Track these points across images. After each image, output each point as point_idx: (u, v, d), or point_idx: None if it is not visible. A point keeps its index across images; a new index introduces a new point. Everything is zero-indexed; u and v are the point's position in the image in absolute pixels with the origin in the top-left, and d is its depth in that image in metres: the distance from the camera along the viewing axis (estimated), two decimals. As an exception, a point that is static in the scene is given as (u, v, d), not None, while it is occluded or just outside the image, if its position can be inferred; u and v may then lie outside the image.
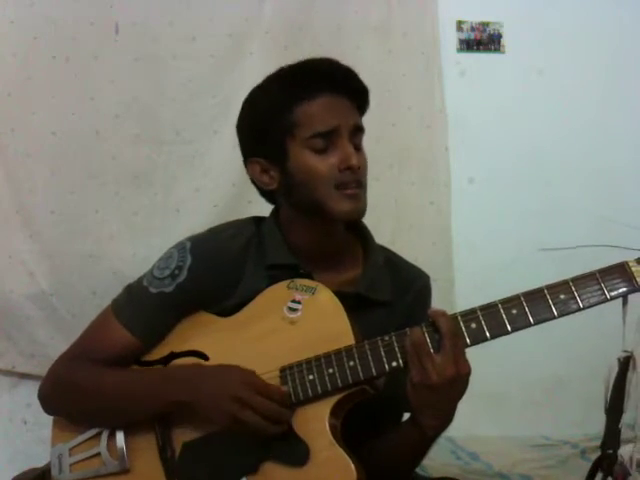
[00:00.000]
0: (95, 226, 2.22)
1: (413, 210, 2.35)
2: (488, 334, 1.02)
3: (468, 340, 1.02)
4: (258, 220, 1.24)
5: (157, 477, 1.13)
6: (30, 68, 2.20)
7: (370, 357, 1.05)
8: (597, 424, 2.41)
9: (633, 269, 1.04)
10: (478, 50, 2.49)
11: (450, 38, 2.47)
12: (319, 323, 1.11)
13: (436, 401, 1.02)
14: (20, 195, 2.20)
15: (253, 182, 1.23)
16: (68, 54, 2.21)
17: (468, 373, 1.02)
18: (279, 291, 1.14)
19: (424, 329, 1.03)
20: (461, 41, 2.49)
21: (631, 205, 2.52)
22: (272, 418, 1.04)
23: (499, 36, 2.50)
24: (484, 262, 2.43)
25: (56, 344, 2.14)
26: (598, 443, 2.25)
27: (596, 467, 1.56)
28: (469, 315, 1.03)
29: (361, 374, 1.05)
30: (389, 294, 1.21)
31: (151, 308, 1.17)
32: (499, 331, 1.02)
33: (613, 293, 1.01)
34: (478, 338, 1.02)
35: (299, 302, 1.12)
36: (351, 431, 1.09)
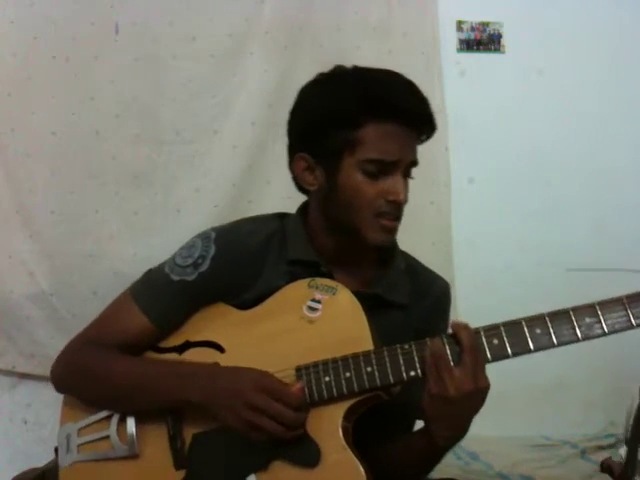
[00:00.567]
0: (95, 226, 2.22)
1: (413, 210, 2.34)
2: (510, 351, 1.01)
3: (489, 356, 1.01)
4: (282, 216, 1.24)
5: (165, 466, 1.13)
6: (30, 68, 2.20)
7: (388, 364, 1.05)
8: (597, 424, 2.42)
9: None
10: (478, 50, 2.49)
11: (450, 38, 2.47)
12: (338, 325, 1.10)
13: (451, 413, 1.02)
14: (20, 195, 2.20)
15: (291, 175, 1.21)
16: (68, 54, 2.21)
17: (487, 388, 1.01)
18: (299, 289, 1.14)
19: (445, 340, 1.03)
20: (461, 41, 2.49)
21: (631, 205, 2.52)
22: (288, 425, 1.03)
23: (499, 36, 2.50)
24: (484, 262, 2.43)
25: (56, 344, 2.13)
26: (598, 443, 2.27)
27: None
28: (492, 330, 1.02)
29: (378, 381, 1.05)
30: (407, 298, 1.21)
31: (171, 295, 1.18)
32: (521, 349, 1.01)
33: (639, 320, 0.99)
34: (499, 354, 1.01)
35: (319, 302, 1.12)
36: (360, 434, 1.09)
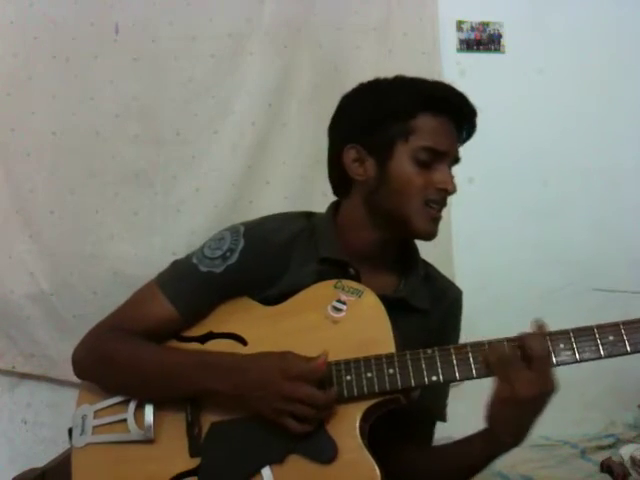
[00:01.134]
0: (95, 226, 2.22)
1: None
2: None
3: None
4: (310, 214, 1.26)
5: (180, 452, 1.13)
6: (30, 68, 2.20)
7: (410, 368, 1.06)
8: (597, 424, 2.42)
9: None
10: (478, 50, 2.49)
11: (450, 38, 2.47)
12: (361, 326, 1.11)
13: (520, 417, 1.03)
14: (20, 195, 2.20)
15: (332, 168, 1.24)
16: (68, 54, 2.21)
17: (554, 390, 1.02)
18: (325, 289, 1.15)
19: (508, 344, 1.03)
20: (461, 41, 2.49)
21: (631, 205, 2.52)
22: (319, 406, 1.04)
23: (499, 36, 2.50)
24: (484, 262, 2.43)
25: (56, 344, 2.14)
26: (598, 443, 2.27)
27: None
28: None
29: (399, 383, 1.06)
30: (428, 303, 1.24)
31: (198, 285, 1.19)
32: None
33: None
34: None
35: (344, 303, 1.13)
36: (377, 436, 1.10)
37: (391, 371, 1.06)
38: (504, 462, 2.09)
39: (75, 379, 1.26)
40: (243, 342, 1.16)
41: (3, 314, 2.18)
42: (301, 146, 2.27)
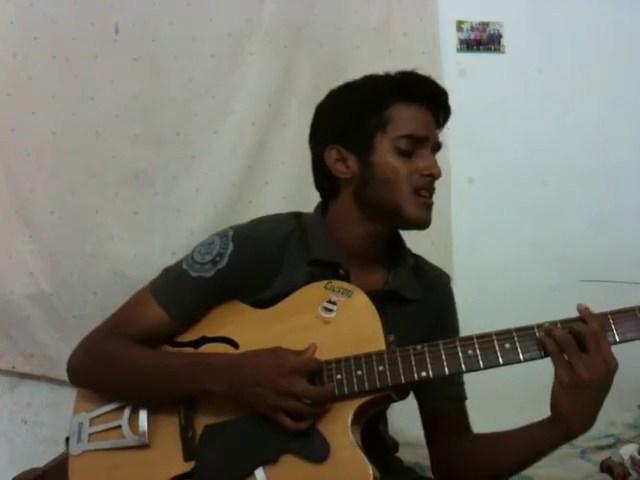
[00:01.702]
0: (95, 226, 2.22)
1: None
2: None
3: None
4: (299, 215, 1.27)
5: (175, 456, 1.14)
6: (30, 68, 2.19)
7: (400, 364, 1.06)
8: (597, 424, 2.42)
9: None
10: (478, 50, 2.49)
11: (450, 38, 2.47)
12: (352, 326, 1.12)
13: (588, 402, 1.03)
14: (20, 195, 2.20)
15: (317, 170, 1.26)
16: (68, 54, 2.21)
17: (616, 368, 1.02)
18: (316, 290, 1.16)
19: (561, 326, 1.03)
20: (461, 41, 2.49)
21: (631, 205, 2.52)
22: (315, 400, 1.05)
23: (499, 36, 2.50)
24: (484, 262, 2.43)
25: (56, 344, 2.14)
26: (598, 443, 2.26)
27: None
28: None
29: (389, 380, 1.06)
30: (418, 293, 1.24)
31: (189, 291, 1.20)
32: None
33: None
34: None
35: (334, 303, 1.14)
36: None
37: (381, 368, 1.06)
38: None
39: (75, 379, 1.26)
40: (235, 346, 1.17)
41: (3, 314, 2.17)
42: (301, 146, 2.27)
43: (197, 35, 2.26)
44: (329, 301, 1.14)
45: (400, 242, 1.29)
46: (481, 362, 1.05)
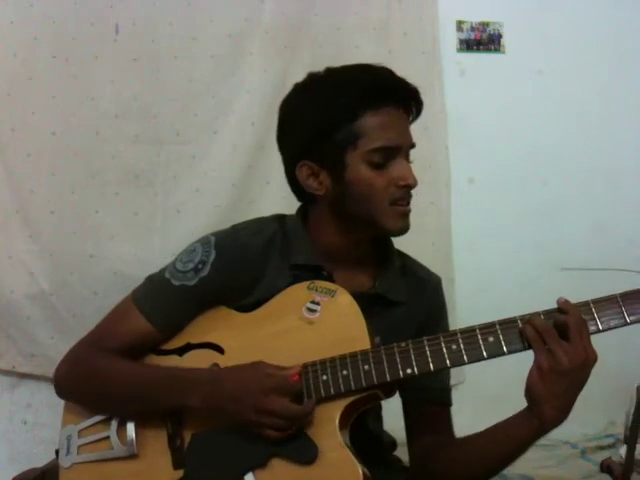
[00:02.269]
0: (95, 226, 2.22)
1: (413, 210, 2.34)
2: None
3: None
4: (281, 218, 1.25)
5: (164, 465, 1.13)
6: (30, 68, 2.20)
7: (385, 362, 1.06)
8: (597, 424, 2.42)
9: None
10: (478, 50, 2.49)
11: (450, 38, 2.47)
12: (336, 326, 1.11)
13: (564, 389, 1.01)
14: (20, 195, 2.20)
15: (291, 182, 1.22)
16: (68, 54, 2.21)
17: (596, 359, 1.01)
18: (299, 291, 1.15)
19: (543, 317, 1.03)
20: (461, 41, 2.49)
21: (631, 205, 2.52)
22: (296, 418, 1.05)
23: (499, 36, 2.50)
24: (484, 262, 2.43)
25: (56, 344, 2.14)
26: (598, 443, 2.27)
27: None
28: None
29: (375, 379, 1.06)
30: (405, 295, 1.23)
31: (172, 300, 1.19)
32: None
33: (632, 317, 1.01)
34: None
35: (318, 303, 1.13)
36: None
37: (366, 367, 1.06)
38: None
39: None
40: (220, 351, 1.17)
41: (3, 314, 2.18)
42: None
43: (197, 35, 2.26)
44: (312, 301, 1.13)
45: (387, 243, 1.27)
46: (465, 357, 1.04)
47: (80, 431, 1.20)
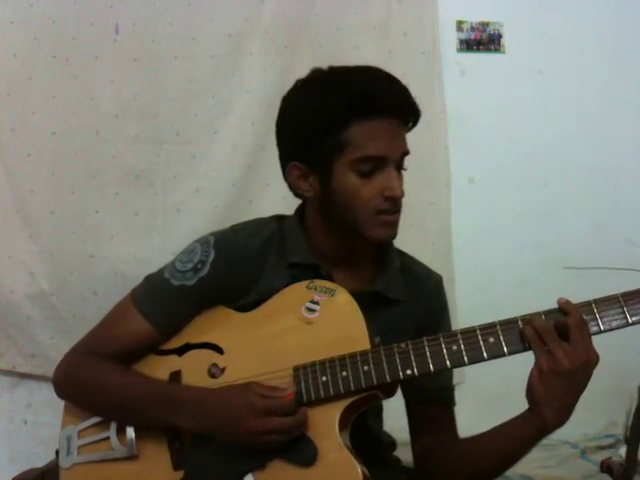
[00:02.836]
0: (95, 226, 2.22)
1: (413, 210, 2.34)
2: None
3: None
4: (280, 218, 1.25)
5: (164, 466, 1.13)
6: (30, 68, 2.20)
7: (385, 363, 1.05)
8: (597, 424, 2.42)
9: None
10: (478, 50, 2.49)
11: (450, 38, 2.47)
12: (336, 325, 1.11)
13: (565, 390, 1.01)
14: (20, 195, 2.20)
15: (286, 182, 1.22)
16: (68, 54, 2.21)
17: (597, 360, 1.01)
18: (298, 291, 1.14)
19: (544, 317, 1.03)
20: (461, 41, 2.49)
21: (631, 205, 2.52)
22: (290, 432, 1.05)
23: (499, 36, 2.50)
24: (484, 262, 2.43)
25: (56, 344, 2.14)
26: (598, 443, 2.27)
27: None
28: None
29: (375, 379, 1.06)
30: (404, 294, 1.22)
31: (171, 300, 1.19)
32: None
33: (635, 318, 1.00)
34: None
35: (317, 303, 1.13)
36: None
37: (366, 368, 1.06)
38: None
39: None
40: (220, 351, 1.17)
41: (3, 314, 2.18)
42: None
43: (197, 35, 2.26)
44: (312, 301, 1.13)
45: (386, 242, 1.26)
46: (466, 357, 1.04)
47: (80, 432, 1.20)
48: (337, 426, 1.06)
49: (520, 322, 1.03)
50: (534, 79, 2.49)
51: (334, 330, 1.11)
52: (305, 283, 1.15)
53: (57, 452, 1.23)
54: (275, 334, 1.14)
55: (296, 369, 1.09)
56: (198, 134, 2.27)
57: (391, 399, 1.15)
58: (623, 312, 1.00)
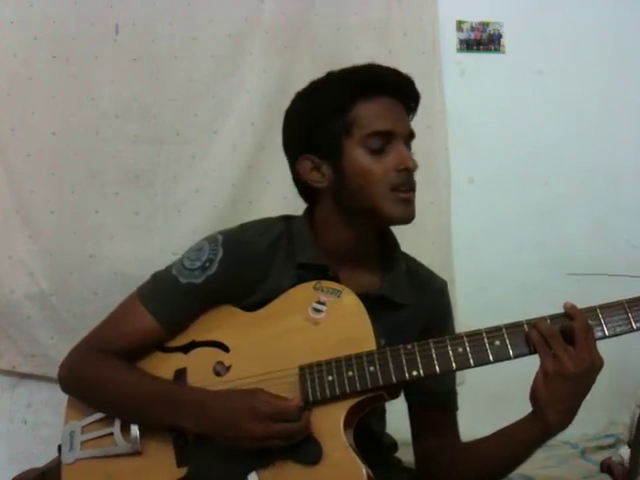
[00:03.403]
0: (95, 226, 2.22)
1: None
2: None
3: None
4: (288, 218, 1.26)
5: (168, 462, 1.13)
6: (30, 68, 2.20)
7: (391, 364, 1.06)
8: (597, 424, 2.42)
9: None
10: (478, 50, 2.49)
11: (450, 38, 2.46)
12: (342, 326, 1.11)
13: (569, 393, 1.02)
14: (20, 195, 2.20)
15: (296, 180, 1.23)
16: (68, 54, 2.21)
17: (602, 365, 1.01)
18: (305, 291, 1.15)
19: (550, 321, 1.03)
20: (461, 41, 2.49)
21: (631, 205, 2.52)
22: (292, 437, 1.05)
23: (499, 36, 2.50)
24: (484, 262, 2.43)
25: (56, 344, 2.14)
26: (598, 443, 2.26)
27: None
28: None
29: (380, 380, 1.06)
30: (410, 298, 1.23)
31: (179, 297, 1.19)
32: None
33: (639, 324, 1.01)
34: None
35: (324, 304, 1.13)
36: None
37: (372, 369, 1.06)
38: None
39: (75, 379, 1.26)
40: (225, 349, 1.17)
41: (3, 314, 2.18)
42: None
43: (197, 35, 2.26)
44: (318, 302, 1.13)
45: (393, 245, 1.27)
46: (471, 360, 1.04)
47: (83, 427, 1.20)
48: (342, 426, 1.06)
49: (526, 326, 1.04)
50: (534, 79, 2.49)
51: (340, 331, 1.11)
52: (312, 284, 1.15)
53: (59, 447, 1.22)
54: (281, 334, 1.15)
55: (302, 368, 1.09)
56: (198, 134, 2.26)
57: (395, 401, 1.15)
58: (628, 318, 1.01)
